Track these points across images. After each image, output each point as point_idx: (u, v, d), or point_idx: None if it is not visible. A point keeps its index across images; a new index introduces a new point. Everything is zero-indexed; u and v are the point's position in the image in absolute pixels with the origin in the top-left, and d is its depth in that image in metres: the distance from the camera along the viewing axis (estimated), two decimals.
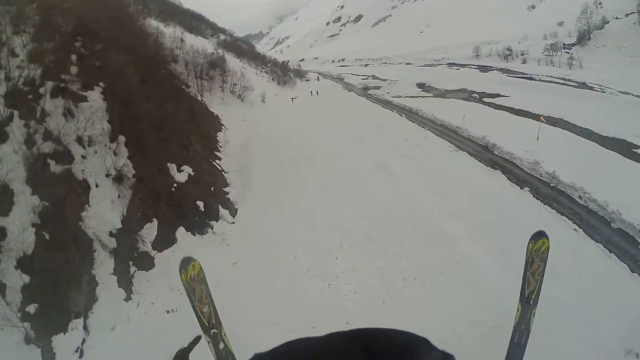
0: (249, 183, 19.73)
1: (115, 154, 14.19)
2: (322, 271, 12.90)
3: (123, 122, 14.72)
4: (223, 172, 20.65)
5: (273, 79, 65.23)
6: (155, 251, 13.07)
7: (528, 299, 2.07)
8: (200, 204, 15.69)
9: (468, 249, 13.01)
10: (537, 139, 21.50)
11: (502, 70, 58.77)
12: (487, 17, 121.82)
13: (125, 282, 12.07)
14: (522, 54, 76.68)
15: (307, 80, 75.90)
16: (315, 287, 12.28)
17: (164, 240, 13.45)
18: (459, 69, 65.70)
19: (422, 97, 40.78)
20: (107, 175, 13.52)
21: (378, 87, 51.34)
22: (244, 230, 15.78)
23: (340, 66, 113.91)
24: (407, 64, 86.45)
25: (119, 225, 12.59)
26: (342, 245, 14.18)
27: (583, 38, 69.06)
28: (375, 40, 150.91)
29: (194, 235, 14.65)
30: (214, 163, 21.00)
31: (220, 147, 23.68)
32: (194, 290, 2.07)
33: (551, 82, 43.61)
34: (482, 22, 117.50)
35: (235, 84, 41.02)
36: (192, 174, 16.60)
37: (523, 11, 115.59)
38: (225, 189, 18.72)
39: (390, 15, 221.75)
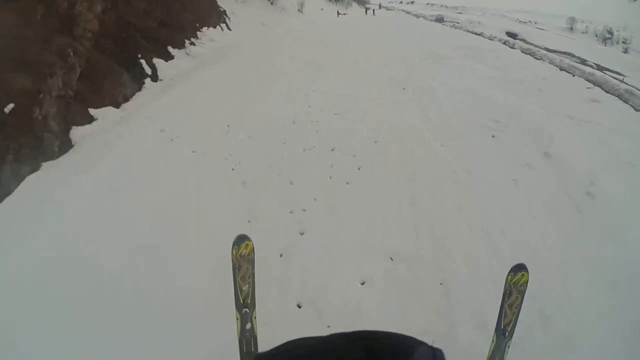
0: (161, 99, 7.29)
1: None
2: None
3: None
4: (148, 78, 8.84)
5: None
6: None
7: (504, 331, 1.92)
8: None
9: None
10: None
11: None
12: None
13: None
14: (624, 42, 58.96)
15: (367, 7, 58.42)
16: None
17: None
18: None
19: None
20: None
21: (456, 22, 35.92)
22: None
23: (408, 4, 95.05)
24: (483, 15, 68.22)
25: None
26: None
27: None
28: None
29: None
30: (142, 60, 9.15)
31: (193, 44, 11.94)
32: (240, 267, 1.96)
33: None
34: None
35: None
36: None
37: (623, 1, 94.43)
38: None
39: None
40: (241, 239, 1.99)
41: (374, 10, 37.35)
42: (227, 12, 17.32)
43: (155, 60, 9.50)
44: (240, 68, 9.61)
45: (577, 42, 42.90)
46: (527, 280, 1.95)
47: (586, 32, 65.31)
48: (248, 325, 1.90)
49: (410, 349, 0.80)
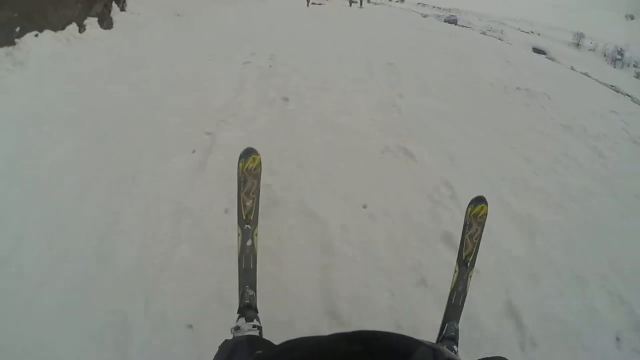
0: None
1: None
2: None
3: None
4: None
5: None
6: None
7: (465, 261, 1.80)
8: None
9: None
10: None
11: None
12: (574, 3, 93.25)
13: None
14: (635, 65, 51.20)
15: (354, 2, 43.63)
16: None
17: None
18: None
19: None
20: None
21: (472, 27, 26.56)
22: None
23: (397, 2, 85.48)
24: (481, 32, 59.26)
25: None
26: None
27: None
28: None
29: None
30: None
31: None
32: (246, 182, 1.78)
33: None
34: (571, 8, 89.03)
35: None
36: None
37: (619, 17, 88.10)
38: None
39: None
40: (248, 153, 1.79)
41: (360, 1, 26.04)
42: None
43: None
44: None
45: (590, 62, 35.39)
46: (486, 213, 1.84)
47: (594, 50, 57.51)
48: (249, 242, 1.71)
49: (411, 349, 0.76)
